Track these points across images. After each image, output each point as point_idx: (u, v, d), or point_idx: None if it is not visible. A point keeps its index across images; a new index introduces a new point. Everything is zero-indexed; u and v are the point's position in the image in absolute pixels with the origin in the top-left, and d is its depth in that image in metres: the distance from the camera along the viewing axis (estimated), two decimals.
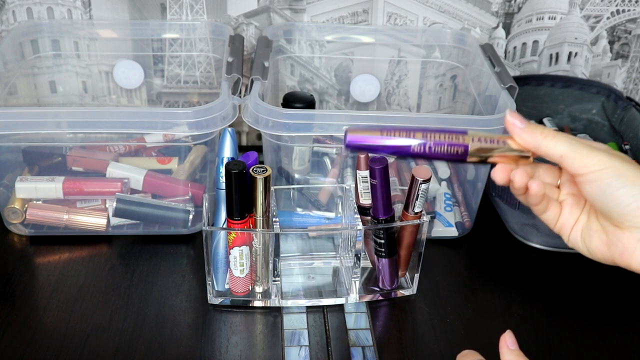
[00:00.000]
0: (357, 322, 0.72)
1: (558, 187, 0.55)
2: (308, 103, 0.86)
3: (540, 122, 1.02)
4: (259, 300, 0.74)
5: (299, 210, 0.84)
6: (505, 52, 1.05)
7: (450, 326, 0.72)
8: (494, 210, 0.90)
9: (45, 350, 0.67)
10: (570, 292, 0.78)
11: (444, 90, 1.03)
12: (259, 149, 0.81)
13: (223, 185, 0.70)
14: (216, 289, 0.74)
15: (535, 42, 1.05)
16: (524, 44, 1.05)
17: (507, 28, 1.03)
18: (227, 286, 0.74)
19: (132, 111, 0.82)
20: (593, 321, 0.73)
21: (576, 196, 0.53)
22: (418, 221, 0.72)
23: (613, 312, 0.75)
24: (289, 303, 0.74)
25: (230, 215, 0.68)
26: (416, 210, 0.71)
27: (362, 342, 0.69)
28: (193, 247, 0.83)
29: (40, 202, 0.83)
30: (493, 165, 0.52)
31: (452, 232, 0.85)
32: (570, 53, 1.05)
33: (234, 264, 0.71)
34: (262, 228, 0.70)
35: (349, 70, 1.02)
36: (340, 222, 0.81)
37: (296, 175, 0.87)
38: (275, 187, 0.75)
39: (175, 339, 0.69)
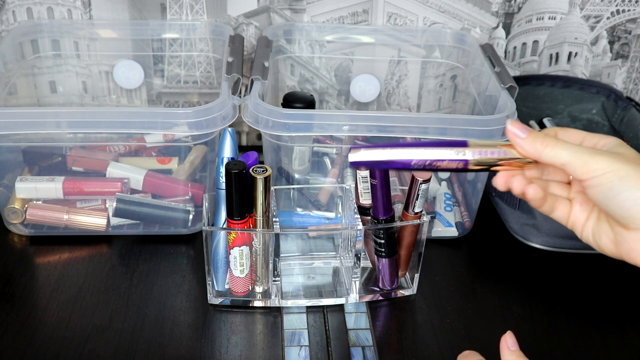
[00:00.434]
0: (357, 322, 0.72)
1: (569, 183, 0.55)
2: (308, 103, 0.86)
3: (541, 122, 1.02)
4: (259, 300, 0.74)
5: (299, 210, 0.84)
6: (505, 52, 1.05)
7: (450, 326, 0.72)
8: (494, 210, 0.90)
9: (45, 350, 0.67)
10: (570, 292, 0.78)
11: (444, 90, 1.03)
12: (259, 149, 0.81)
13: (223, 185, 0.70)
14: (216, 289, 0.74)
15: (535, 42, 1.05)
16: (524, 44, 1.05)
17: (507, 28, 1.03)
18: (227, 286, 0.74)
19: (132, 111, 0.82)
20: (593, 321, 0.73)
21: (585, 194, 0.54)
22: (418, 221, 0.72)
23: (613, 312, 0.75)
24: (289, 303, 0.74)
25: (230, 215, 0.68)
26: (416, 210, 0.71)
27: (362, 342, 0.69)
28: (193, 247, 0.83)
29: (40, 202, 0.83)
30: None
31: (452, 232, 0.85)
32: (570, 53, 1.05)
33: (234, 264, 0.71)
34: (262, 228, 0.70)
35: (349, 70, 1.02)
36: (340, 222, 0.81)
37: (296, 175, 0.87)
38: (275, 187, 0.75)
39: (175, 339, 0.69)
